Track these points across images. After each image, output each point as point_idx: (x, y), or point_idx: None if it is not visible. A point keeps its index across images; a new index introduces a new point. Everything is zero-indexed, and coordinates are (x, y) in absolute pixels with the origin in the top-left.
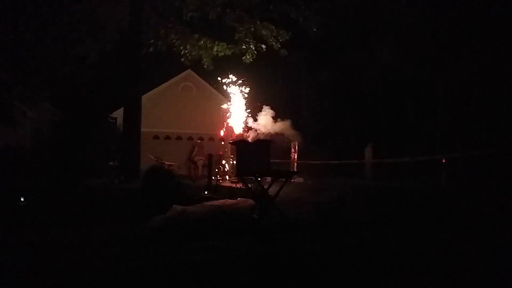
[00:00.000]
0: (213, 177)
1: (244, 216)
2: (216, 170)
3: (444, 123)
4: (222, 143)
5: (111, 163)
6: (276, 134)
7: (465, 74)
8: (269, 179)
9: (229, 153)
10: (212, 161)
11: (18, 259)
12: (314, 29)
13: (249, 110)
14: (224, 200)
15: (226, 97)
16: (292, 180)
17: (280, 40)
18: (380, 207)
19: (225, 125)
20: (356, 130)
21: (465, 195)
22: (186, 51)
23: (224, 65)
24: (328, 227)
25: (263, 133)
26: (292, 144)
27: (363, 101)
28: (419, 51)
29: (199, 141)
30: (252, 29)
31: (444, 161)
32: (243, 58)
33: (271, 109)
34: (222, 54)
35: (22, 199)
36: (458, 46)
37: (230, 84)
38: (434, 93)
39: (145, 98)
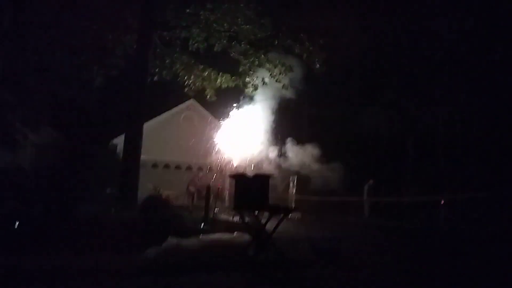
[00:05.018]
0: (215, 209)
1: (240, 252)
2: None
3: (444, 164)
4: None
5: (109, 190)
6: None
7: (464, 115)
8: (267, 213)
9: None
10: (210, 193)
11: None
12: (318, 65)
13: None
14: (220, 234)
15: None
16: (290, 216)
17: (284, 75)
18: (377, 246)
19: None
20: (356, 167)
21: (461, 238)
22: (190, 81)
23: (226, 95)
24: (325, 266)
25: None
26: (290, 178)
27: (364, 138)
28: (420, 91)
29: (201, 173)
30: (256, 62)
31: (443, 202)
32: (246, 90)
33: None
34: (226, 85)
35: (17, 224)
36: (457, 85)
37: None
38: (435, 134)
39: (146, 126)
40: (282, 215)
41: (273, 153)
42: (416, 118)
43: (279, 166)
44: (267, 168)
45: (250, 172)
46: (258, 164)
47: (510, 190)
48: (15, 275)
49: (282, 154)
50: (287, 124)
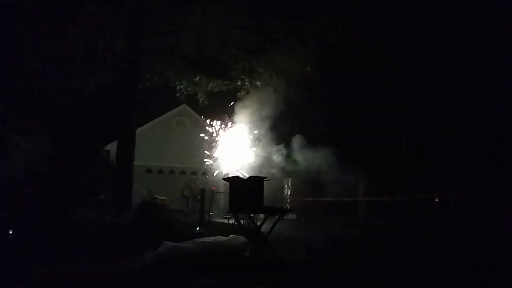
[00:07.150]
0: (210, 213)
1: (236, 254)
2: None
3: (438, 161)
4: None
5: (103, 196)
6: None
7: (456, 113)
8: (262, 215)
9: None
10: (205, 196)
11: None
12: (308, 68)
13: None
14: (216, 237)
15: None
16: (285, 217)
17: (275, 78)
18: (373, 245)
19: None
20: (350, 166)
21: (456, 235)
22: (182, 87)
23: (218, 99)
24: (321, 266)
25: None
26: (285, 180)
27: (358, 138)
28: (413, 89)
29: (195, 177)
30: (247, 66)
31: (437, 200)
32: (238, 94)
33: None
34: (217, 90)
35: (10, 232)
36: (449, 83)
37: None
38: (428, 132)
39: (139, 131)
40: (277, 216)
41: (269, 155)
42: (408, 117)
43: (280, 169)
44: (266, 170)
45: (245, 175)
46: (255, 167)
47: (503, 186)
48: (10, 284)
49: (281, 156)
50: (281, 127)
